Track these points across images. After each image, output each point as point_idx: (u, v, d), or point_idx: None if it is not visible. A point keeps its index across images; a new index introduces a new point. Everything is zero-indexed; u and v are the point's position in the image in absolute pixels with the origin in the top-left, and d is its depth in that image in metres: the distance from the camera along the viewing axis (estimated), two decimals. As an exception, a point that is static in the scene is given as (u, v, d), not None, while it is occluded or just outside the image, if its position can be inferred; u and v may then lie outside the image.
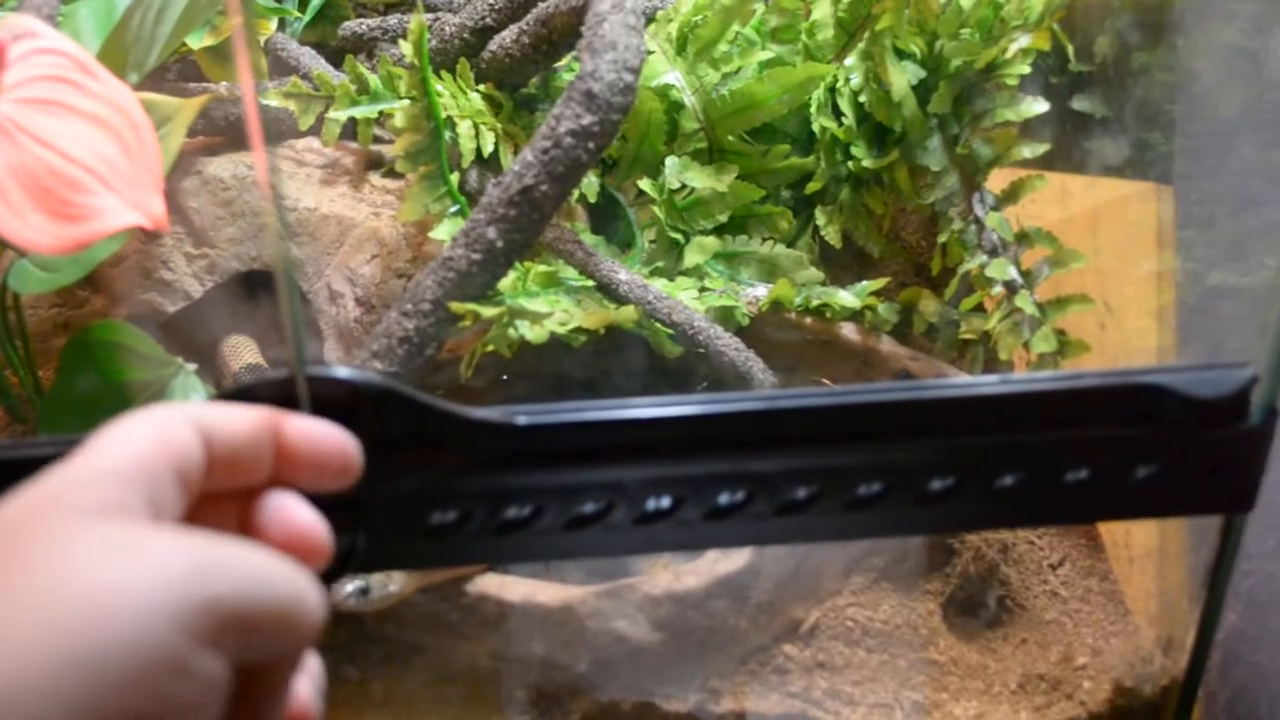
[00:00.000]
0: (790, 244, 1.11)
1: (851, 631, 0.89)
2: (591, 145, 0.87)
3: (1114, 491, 0.66)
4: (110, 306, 1.08)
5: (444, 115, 1.05)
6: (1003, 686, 0.89)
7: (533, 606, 0.85)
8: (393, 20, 1.27)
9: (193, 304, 1.09)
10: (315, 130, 1.14)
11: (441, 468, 0.50)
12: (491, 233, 0.87)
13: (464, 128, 1.05)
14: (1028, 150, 0.97)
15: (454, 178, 1.03)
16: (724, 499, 0.59)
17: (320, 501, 0.45)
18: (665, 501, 0.56)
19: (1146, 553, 0.92)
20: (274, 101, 1.12)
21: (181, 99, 0.95)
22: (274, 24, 1.23)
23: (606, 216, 1.15)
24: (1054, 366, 0.93)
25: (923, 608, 0.91)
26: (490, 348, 0.92)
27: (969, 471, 0.56)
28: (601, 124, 0.87)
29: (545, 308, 0.94)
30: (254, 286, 1.11)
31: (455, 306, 0.87)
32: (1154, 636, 0.90)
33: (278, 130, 1.15)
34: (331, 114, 1.10)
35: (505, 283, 0.98)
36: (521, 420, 0.50)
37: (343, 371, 0.47)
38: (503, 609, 0.85)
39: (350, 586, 0.83)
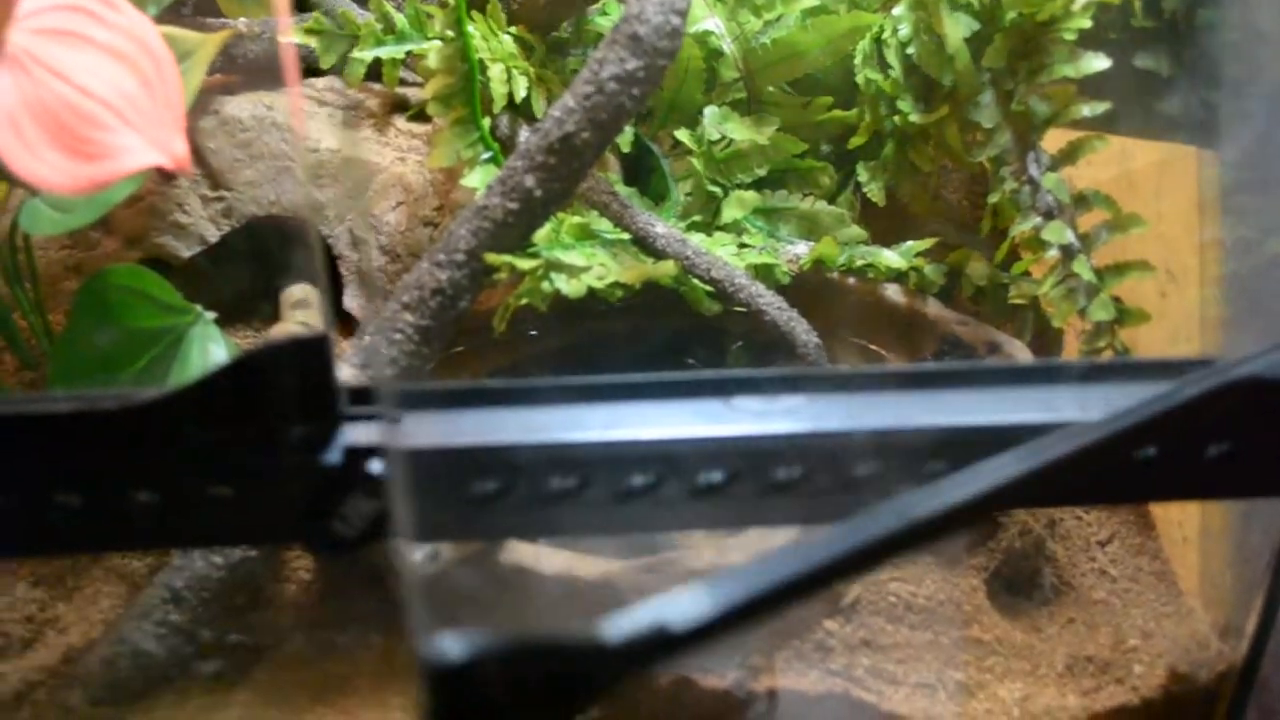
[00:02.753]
0: (831, 200, 1.07)
1: (894, 608, 0.86)
2: (636, 91, 0.82)
3: (1187, 470, 0.65)
4: (122, 249, 1.04)
5: (477, 58, 1.01)
6: (1049, 668, 0.85)
7: (570, 579, 0.81)
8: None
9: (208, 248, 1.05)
10: (337, 70, 1.10)
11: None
12: (529, 181, 0.83)
13: (495, 71, 1.01)
14: (1087, 109, 0.92)
15: (485, 123, 0.99)
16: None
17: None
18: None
19: (1201, 532, 0.88)
20: (295, 38, 1.07)
21: (203, 34, 0.90)
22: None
23: (640, 167, 1.11)
24: (1111, 335, 0.89)
25: (966, 584, 0.88)
26: (525, 300, 0.88)
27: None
28: (647, 69, 0.82)
29: (582, 261, 0.90)
30: (272, 232, 1.07)
31: (491, 258, 0.83)
32: (1209, 620, 0.87)
33: (306, 70, 1.11)
34: (356, 53, 1.05)
35: (540, 234, 0.94)
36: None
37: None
38: (538, 580, 0.81)
39: (420, 554, 0.80)
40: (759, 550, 0.81)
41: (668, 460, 0.64)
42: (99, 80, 0.73)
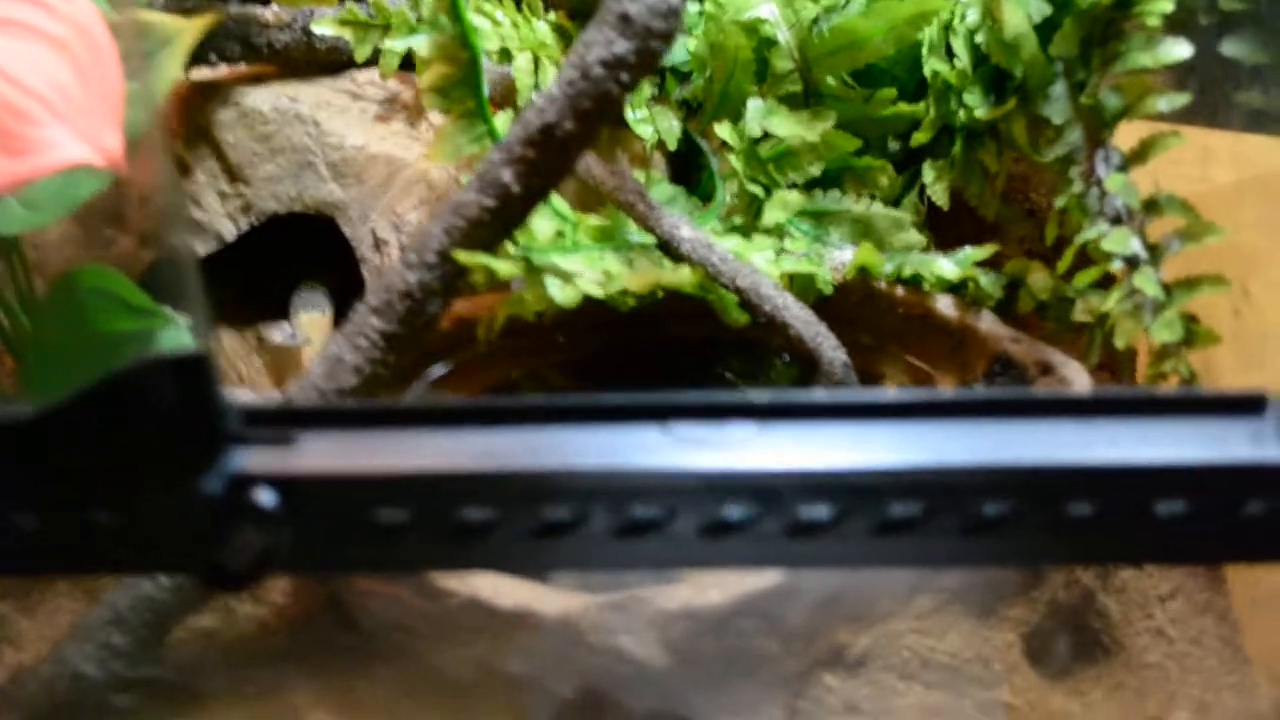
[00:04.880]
0: (895, 203, 0.97)
1: (909, 663, 0.75)
2: (625, 77, 0.74)
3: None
4: (137, 248, 0.99)
5: (499, 46, 0.94)
6: (1088, 740, 0.74)
7: (526, 615, 0.73)
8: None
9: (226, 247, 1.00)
10: (373, 62, 1.03)
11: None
12: (507, 175, 0.75)
13: (522, 61, 0.94)
14: (1164, 102, 0.81)
15: (507, 115, 0.92)
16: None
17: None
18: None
19: (1273, 593, 0.76)
20: (328, 30, 1.01)
21: (185, 19, 0.85)
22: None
23: (690, 166, 1.02)
24: (1178, 359, 0.78)
25: (1000, 639, 0.77)
26: (513, 310, 0.81)
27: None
28: (638, 53, 0.74)
29: (581, 266, 0.82)
30: (293, 230, 1.01)
31: (462, 258, 0.75)
32: (1273, 698, 0.74)
33: (337, 61, 1.05)
34: (387, 44, 0.99)
35: (546, 236, 0.86)
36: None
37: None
38: (491, 615, 0.73)
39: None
40: (739, 590, 0.72)
41: (590, 493, 0.56)
42: (32, 71, 0.68)
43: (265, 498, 0.56)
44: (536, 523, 0.57)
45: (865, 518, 0.57)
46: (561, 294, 0.80)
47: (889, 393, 0.58)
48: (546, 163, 0.75)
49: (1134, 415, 0.57)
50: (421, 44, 0.88)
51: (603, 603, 0.72)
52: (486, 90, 0.88)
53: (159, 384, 0.55)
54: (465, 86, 0.88)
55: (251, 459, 0.57)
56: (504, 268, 0.76)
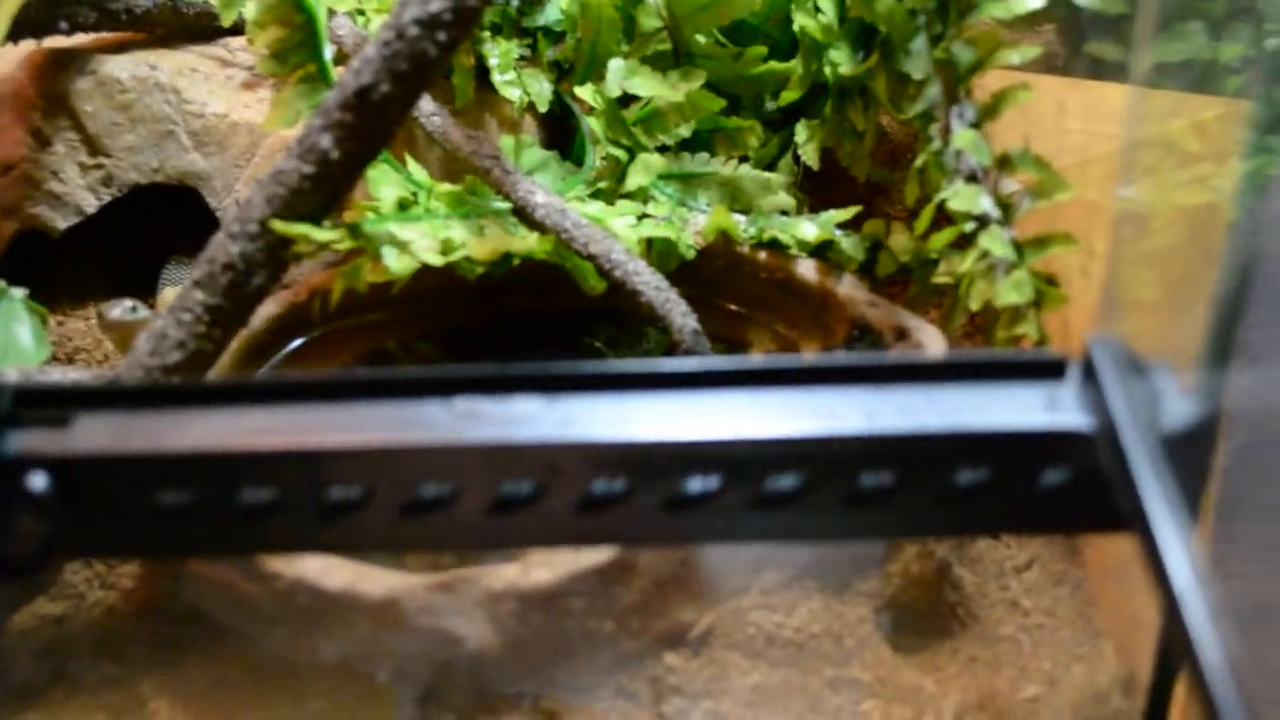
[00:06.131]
0: (771, 164, 0.94)
1: (754, 640, 0.73)
2: (442, 36, 0.71)
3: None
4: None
5: (355, 7, 0.91)
6: (934, 716, 0.71)
7: (352, 597, 0.70)
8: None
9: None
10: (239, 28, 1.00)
11: None
12: (325, 141, 0.72)
13: (378, 23, 0.91)
14: (1015, 55, 0.78)
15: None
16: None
17: None
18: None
19: (1121, 563, 0.73)
20: (194, -7, 0.98)
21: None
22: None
23: (565, 129, 0.99)
24: (1029, 321, 0.75)
25: (852, 613, 0.74)
26: (345, 282, 0.78)
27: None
28: (455, 10, 0.70)
29: (418, 234, 0.79)
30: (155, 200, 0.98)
31: (279, 227, 0.72)
32: (1114, 670, 0.72)
33: (210, 27, 1.01)
34: (247, 9, 0.96)
35: (390, 202, 0.83)
36: None
37: None
38: (319, 597, 0.71)
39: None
40: (569, 568, 0.70)
41: (373, 470, 0.54)
42: None
43: (38, 482, 0.54)
44: (318, 502, 0.55)
45: (655, 493, 0.55)
46: (398, 263, 0.78)
47: (684, 362, 0.56)
48: (365, 127, 0.72)
49: (935, 381, 0.55)
50: (250, 6, 0.84)
51: (430, 583, 0.70)
52: (329, 53, 0.85)
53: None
54: (304, 49, 0.84)
55: (24, 441, 0.55)
56: (324, 236, 0.73)
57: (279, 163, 0.74)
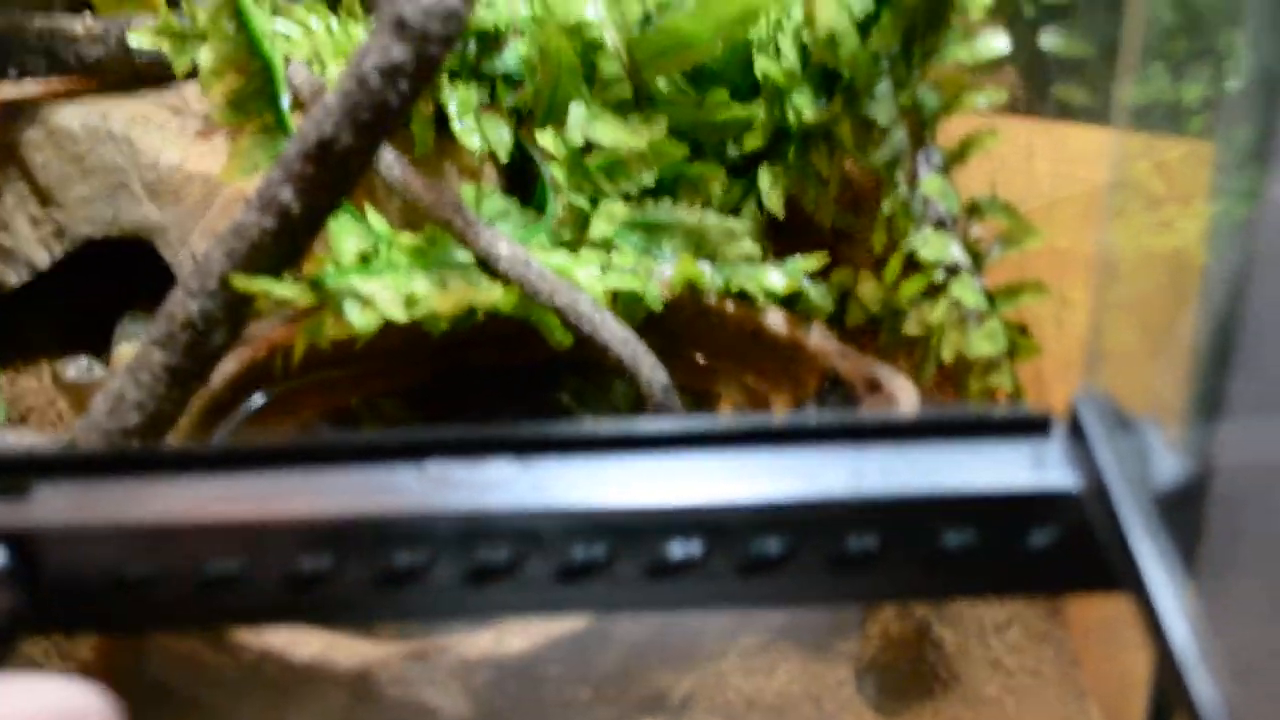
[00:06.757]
0: (734, 211, 0.93)
1: (734, 705, 0.71)
2: (404, 86, 0.69)
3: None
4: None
5: (312, 53, 0.89)
6: (916, 776, 0.70)
7: (322, 667, 0.68)
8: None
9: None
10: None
11: None
12: (286, 194, 0.70)
13: (335, 70, 0.89)
14: (982, 98, 0.77)
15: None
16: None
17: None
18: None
19: (1104, 622, 0.72)
20: (144, 42, 0.96)
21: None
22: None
23: (525, 177, 0.98)
24: (1001, 372, 0.74)
25: (832, 676, 0.73)
26: (309, 338, 0.76)
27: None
28: (417, 59, 0.69)
29: (381, 288, 0.77)
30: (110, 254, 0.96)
31: (240, 283, 0.70)
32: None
33: (162, 74, 0.99)
34: (203, 56, 0.94)
35: (351, 255, 0.82)
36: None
37: None
38: (288, 669, 0.69)
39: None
40: (545, 635, 0.68)
41: (344, 540, 0.52)
42: None
43: (-1, 556, 0.52)
44: (287, 572, 0.53)
45: (636, 559, 0.53)
46: (361, 318, 0.76)
47: (662, 423, 0.54)
48: (326, 179, 0.71)
49: (918, 440, 0.54)
50: (205, 54, 0.83)
51: (403, 652, 0.68)
52: (286, 102, 0.83)
53: None
54: (261, 98, 0.83)
55: (-21, 513, 0.52)
56: (286, 291, 0.72)
57: (238, 216, 0.72)
